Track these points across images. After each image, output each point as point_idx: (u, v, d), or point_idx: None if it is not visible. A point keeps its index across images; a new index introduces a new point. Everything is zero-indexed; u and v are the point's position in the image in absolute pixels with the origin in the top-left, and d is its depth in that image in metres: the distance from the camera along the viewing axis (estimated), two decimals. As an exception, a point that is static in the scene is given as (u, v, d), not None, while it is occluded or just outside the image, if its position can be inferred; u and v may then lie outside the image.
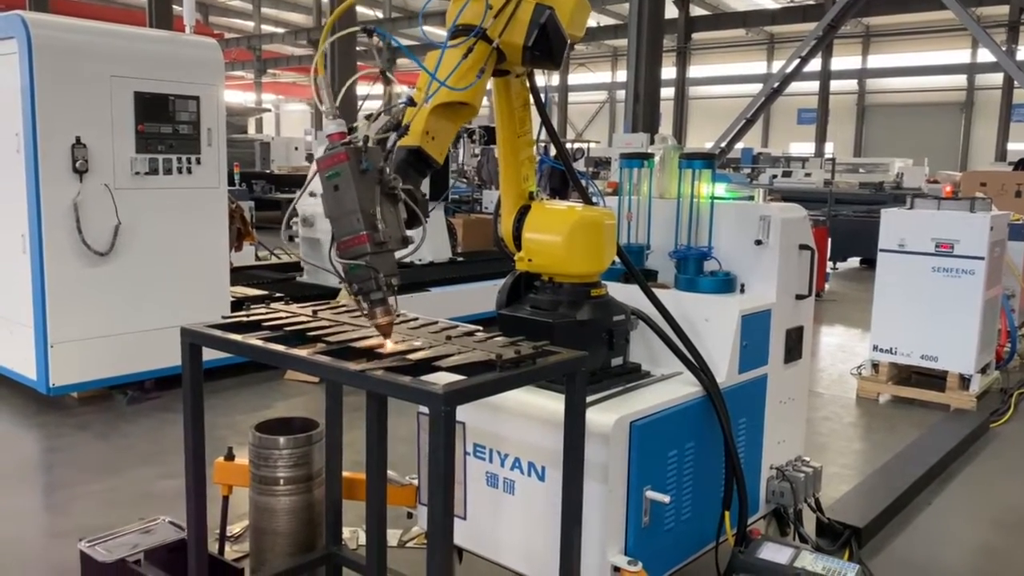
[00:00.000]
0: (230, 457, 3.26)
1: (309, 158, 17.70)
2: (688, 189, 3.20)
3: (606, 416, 2.53)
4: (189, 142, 5.82)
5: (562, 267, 2.76)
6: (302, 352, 2.19)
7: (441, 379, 1.99)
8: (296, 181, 18.28)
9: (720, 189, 3.28)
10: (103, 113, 5.40)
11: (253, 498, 2.98)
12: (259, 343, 2.30)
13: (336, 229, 2.12)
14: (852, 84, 33.63)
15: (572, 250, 2.71)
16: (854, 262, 14.31)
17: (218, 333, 2.38)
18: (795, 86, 16.57)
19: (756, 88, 17.80)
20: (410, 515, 3.31)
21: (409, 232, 2.23)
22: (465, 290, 8.08)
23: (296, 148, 23.56)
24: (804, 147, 30.76)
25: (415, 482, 3.19)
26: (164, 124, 5.68)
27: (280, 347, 2.25)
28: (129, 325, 5.59)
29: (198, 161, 5.87)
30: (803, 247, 3.31)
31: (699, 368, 2.86)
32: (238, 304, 6.21)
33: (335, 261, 2.12)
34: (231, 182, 13.85)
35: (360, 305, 2.17)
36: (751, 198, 3.35)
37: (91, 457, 4.72)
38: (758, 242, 3.16)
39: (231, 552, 3.53)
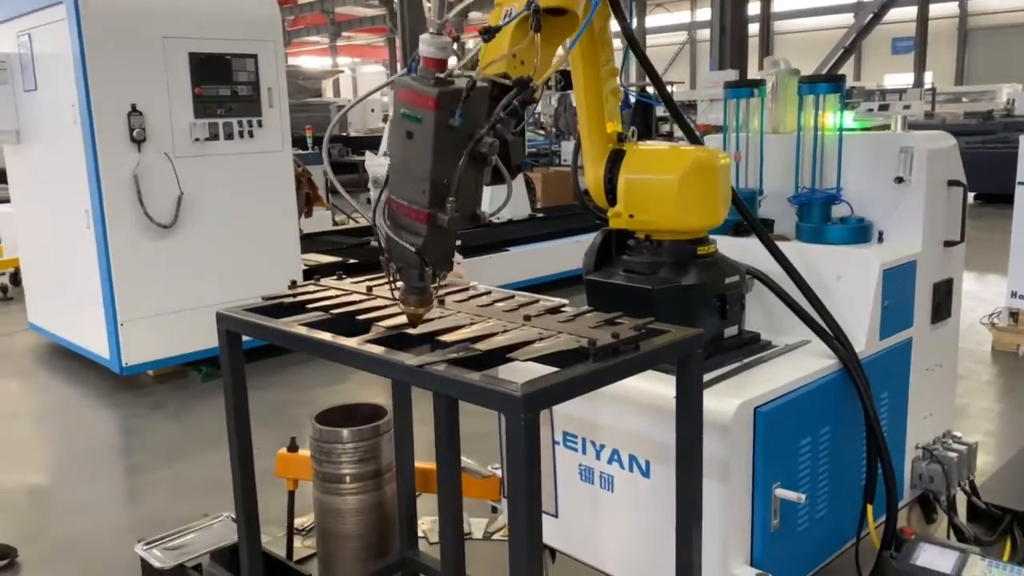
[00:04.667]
0: (293, 448, 2.95)
1: (385, 119, 17.40)
2: (810, 121, 2.66)
3: (725, 402, 2.07)
4: (249, 104, 5.52)
5: (675, 221, 2.25)
6: (351, 342, 1.79)
7: (518, 372, 1.56)
8: (372, 143, 18.02)
9: (848, 119, 2.73)
10: (158, 77, 5.12)
11: (317, 497, 2.64)
12: (302, 331, 1.92)
13: (394, 183, 1.65)
14: (952, 7, 31.25)
15: (686, 200, 2.21)
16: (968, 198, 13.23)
17: (256, 319, 2.01)
18: (888, 14, 15.27)
19: (845, 19, 16.54)
20: (495, 509, 2.96)
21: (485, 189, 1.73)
22: (546, 248, 7.67)
23: (372, 110, 23.28)
24: (900, 78, 28.84)
25: (498, 472, 2.81)
26: (222, 86, 5.38)
27: (326, 335, 1.86)
28: (198, 299, 5.34)
29: (259, 124, 5.56)
30: (953, 183, 2.75)
31: (833, 336, 2.35)
32: (311, 273, 5.95)
33: (379, 222, 1.68)
34: (303, 146, 13.68)
35: (392, 282, 1.74)
36: (886, 127, 2.79)
37: (163, 440, 4.51)
38: (899, 180, 2.61)
39: (303, 548, 3.24)
